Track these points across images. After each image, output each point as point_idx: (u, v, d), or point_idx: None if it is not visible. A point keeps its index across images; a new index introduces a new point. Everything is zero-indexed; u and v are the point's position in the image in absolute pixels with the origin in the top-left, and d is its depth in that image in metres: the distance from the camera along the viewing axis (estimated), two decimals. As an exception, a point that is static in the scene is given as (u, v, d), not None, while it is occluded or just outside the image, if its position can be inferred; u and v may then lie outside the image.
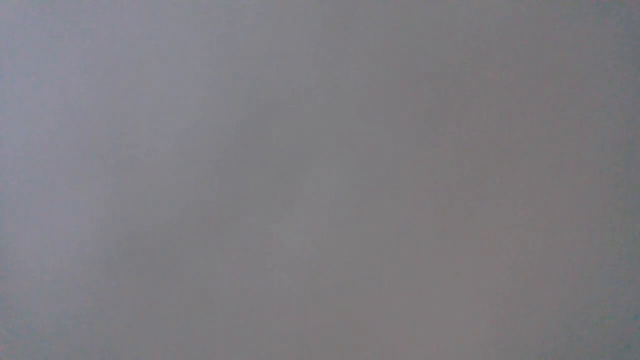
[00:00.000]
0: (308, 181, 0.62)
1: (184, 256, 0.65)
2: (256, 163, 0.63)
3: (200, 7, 0.65)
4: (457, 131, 0.60)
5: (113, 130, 0.67)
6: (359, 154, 0.61)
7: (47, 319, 0.67)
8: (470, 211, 0.59)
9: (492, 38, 0.59)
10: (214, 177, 0.64)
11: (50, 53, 0.68)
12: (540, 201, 0.58)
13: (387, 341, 0.60)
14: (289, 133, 0.63)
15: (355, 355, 0.61)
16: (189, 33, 0.65)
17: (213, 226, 0.64)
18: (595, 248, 0.57)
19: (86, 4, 0.68)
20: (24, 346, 0.68)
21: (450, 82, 0.60)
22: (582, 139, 0.58)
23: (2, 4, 0.70)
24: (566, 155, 0.58)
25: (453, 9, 0.60)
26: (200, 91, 0.65)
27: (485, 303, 0.59)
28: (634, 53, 0.57)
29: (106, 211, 0.66)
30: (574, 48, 0.58)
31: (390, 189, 0.61)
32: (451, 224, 0.59)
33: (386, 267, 0.61)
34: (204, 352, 0.64)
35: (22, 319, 0.68)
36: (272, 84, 0.63)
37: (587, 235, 0.57)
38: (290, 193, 0.63)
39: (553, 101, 0.58)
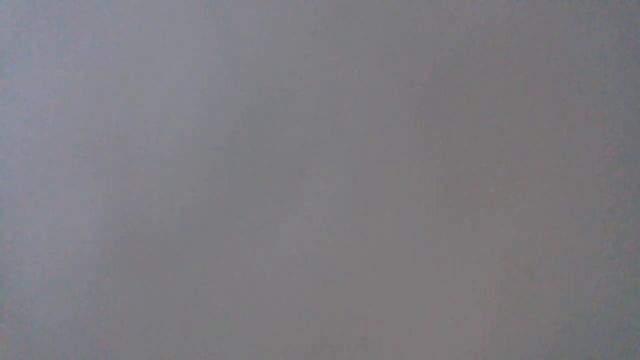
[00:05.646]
0: (308, 181, 0.62)
1: (184, 256, 0.65)
2: (256, 162, 0.63)
3: (199, 7, 0.65)
4: (457, 131, 0.60)
5: (113, 130, 0.67)
6: (358, 153, 0.61)
7: (47, 318, 0.67)
8: (470, 211, 0.59)
9: (491, 38, 0.59)
10: (214, 176, 0.64)
11: (50, 53, 0.68)
12: (538, 201, 0.58)
13: (386, 340, 0.60)
14: (289, 133, 0.63)
15: (355, 354, 0.61)
16: (188, 33, 0.65)
17: (213, 226, 0.64)
18: (594, 248, 0.57)
19: (86, 4, 0.68)
20: (24, 346, 0.68)
21: (449, 83, 0.60)
22: (581, 139, 0.58)
23: (3, 6, 0.70)
24: (564, 155, 0.58)
25: (453, 9, 0.60)
26: (200, 91, 0.65)
27: (483, 302, 0.59)
28: (634, 53, 0.57)
29: (106, 211, 0.66)
30: (574, 48, 0.58)
31: (390, 189, 0.61)
32: (450, 224, 0.60)
33: (386, 266, 0.61)
34: (204, 351, 0.64)
35: (22, 319, 0.68)
36: (272, 84, 0.63)
37: (585, 234, 0.57)
38: (290, 193, 0.63)
39: (552, 101, 0.58)
